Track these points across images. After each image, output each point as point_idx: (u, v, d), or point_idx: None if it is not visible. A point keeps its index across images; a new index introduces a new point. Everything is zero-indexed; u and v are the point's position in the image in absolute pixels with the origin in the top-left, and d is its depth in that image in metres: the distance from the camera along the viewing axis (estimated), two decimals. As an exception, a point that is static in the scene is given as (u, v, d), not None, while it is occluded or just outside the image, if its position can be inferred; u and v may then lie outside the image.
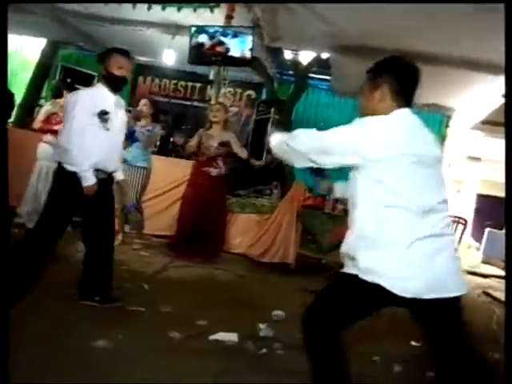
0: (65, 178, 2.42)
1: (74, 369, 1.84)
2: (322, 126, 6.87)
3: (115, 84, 2.56)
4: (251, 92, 8.29)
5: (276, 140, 1.89)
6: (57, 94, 4.95)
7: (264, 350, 2.42)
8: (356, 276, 1.51)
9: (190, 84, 8.56)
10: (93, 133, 2.41)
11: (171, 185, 5.03)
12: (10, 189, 1.72)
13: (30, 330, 2.09)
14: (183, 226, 4.58)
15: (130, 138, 4.47)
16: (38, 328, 2.16)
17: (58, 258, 3.47)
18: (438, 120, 7.89)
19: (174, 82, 8.72)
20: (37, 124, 4.74)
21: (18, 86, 8.86)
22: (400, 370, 2.49)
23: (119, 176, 2.74)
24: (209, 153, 4.52)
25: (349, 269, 1.58)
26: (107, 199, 2.62)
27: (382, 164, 1.55)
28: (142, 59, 8.63)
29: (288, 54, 7.16)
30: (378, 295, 1.49)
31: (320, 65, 7.15)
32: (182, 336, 2.38)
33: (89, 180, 2.41)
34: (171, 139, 6.99)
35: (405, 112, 1.67)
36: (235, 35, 4.70)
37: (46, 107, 4.91)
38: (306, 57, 6.93)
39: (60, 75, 8.23)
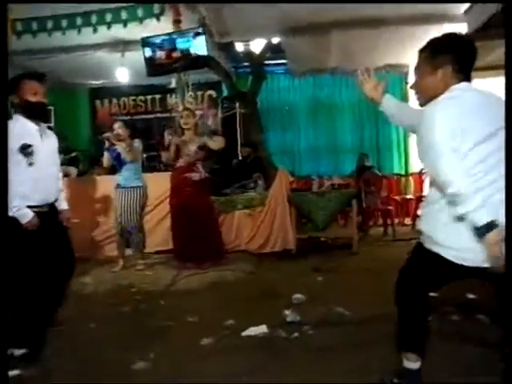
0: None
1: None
2: (287, 109, 7.00)
3: (33, 112, 2.31)
4: (211, 92, 8.28)
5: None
6: None
7: (296, 334, 2.47)
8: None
9: (149, 97, 8.48)
10: (17, 170, 2.18)
11: (159, 198, 5.01)
12: None
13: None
14: (179, 235, 4.57)
15: (118, 162, 4.45)
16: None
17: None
18: (397, 79, 8.06)
19: (132, 98, 8.62)
20: None
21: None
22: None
23: (62, 205, 2.51)
24: (189, 158, 4.53)
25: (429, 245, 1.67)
26: (57, 230, 2.43)
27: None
28: (95, 83, 8.51)
29: (240, 46, 7.15)
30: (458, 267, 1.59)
31: (273, 50, 7.18)
32: (216, 338, 2.41)
33: (26, 216, 2.23)
34: (144, 155, 6.93)
35: (466, 86, 1.66)
36: (187, 38, 4.68)
37: None
38: (257, 45, 6.94)
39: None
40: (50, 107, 8.11)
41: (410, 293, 1.73)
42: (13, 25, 4.98)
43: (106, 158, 4.55)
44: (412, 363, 1.73)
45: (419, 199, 7.07)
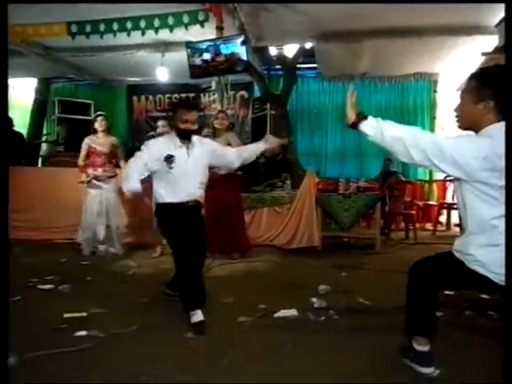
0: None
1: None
2: (316, 111, 7.30)
3: (180, 135, 2.88)
4: (243, 92, 8.60)
5: (371, 130, 1.87)
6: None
7: (323, 318, 2.76)
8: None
9: (183, 95, 8.86)
10: (161, 173, 2.88)
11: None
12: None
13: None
14: (208, 227, 4.84)
15: None
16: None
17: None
18: (425, 87, 8.23)
19: (167, 96, 9.03)
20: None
21: (17, 126, 9.14)
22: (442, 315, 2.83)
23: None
24: None
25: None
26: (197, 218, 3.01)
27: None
28: (134, 79, 8.94)
29: (273, 50, 7.45)
30: (482, 281, 1.79)
31: (305, 55, 7.45)
32: (251, 319, 2.71)
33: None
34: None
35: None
36: (230, 44, 5.01)
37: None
38: (290, 50, 7.23)
39: (58, 109, 8.50)
40: (89, 101, 8.62)
41: (423, 277, 1.87)
42: (69, 26, 5.39)
43: None
44: (420, 346, 1.90)
45: (441, 205, 7.24)
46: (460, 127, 1.88)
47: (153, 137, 4.86)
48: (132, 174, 2.85)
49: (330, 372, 2.05)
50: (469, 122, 1.82)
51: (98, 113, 5.23)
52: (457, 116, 1.90)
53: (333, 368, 2.09)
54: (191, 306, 2.67)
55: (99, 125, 4.97)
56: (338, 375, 2.01)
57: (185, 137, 2.88)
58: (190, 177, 2.88)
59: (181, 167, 2.82)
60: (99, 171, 4.96)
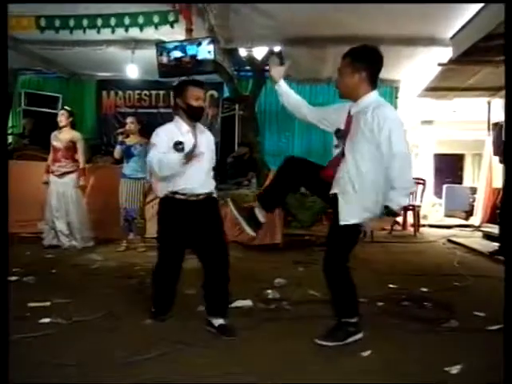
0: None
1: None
2: (283, 113, 7.38)
3: (193, 114, 2.68)
4: (213, 92, 8.74)
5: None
6: None
7: (273, 306, 2.99)
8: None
9: (153, 92, 8.92)
10: None
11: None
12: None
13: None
14: None
15: (126, 154, 4.93)
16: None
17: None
18: (387, 93, 8.58)
19: (137, 92, 9.05)
20: None
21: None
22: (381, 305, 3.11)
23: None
24: None
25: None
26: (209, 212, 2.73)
27: None
28: (103, 74, 8.92)
29: (243, 52, 7.62)
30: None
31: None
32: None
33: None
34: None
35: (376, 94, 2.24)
36: (197, 45, 5.17)
37: None
38: (260, 52, 7.42)
39: (24, 101, 8.40)
40: (57, 95, 8.56)
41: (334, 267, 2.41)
42: (37, 20, 5.40)
43: (118, 151, 5.01)
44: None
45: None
46: (341, 97, 2.37)
47: (121, 134, 4.98)
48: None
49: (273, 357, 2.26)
50: (347, 91, 2.28)
51: (63, 107, 5.27)
52: (337, 87, 2.36)
53: (276, 352, 2.30)
54: (158, 312, 2.71)
55: (59, 120, 5.02)
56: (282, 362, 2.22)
57: (196, 116, 2.70)
58: (196, 165, 2.61)
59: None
60: (55, 166, 5.02)
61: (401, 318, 2.79)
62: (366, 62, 2.23)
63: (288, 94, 2.50)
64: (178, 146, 2.53)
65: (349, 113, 2.30)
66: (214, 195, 2.82)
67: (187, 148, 2.54)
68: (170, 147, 2.55)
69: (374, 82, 2.27)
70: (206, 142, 2.77)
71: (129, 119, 5.13)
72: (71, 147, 5.07)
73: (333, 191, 2.29)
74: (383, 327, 2.63)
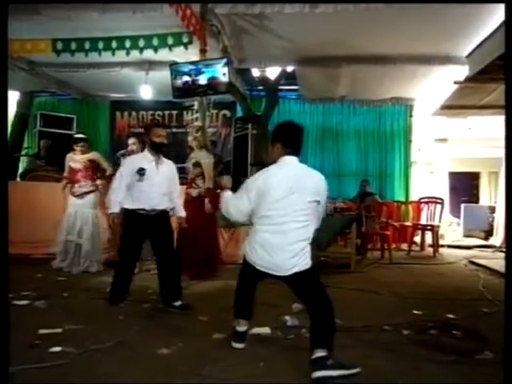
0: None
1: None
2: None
3: (155, 148, 3.50)
4: (226, 111, 8.75)
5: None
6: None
7: (291, 335, 2.84)
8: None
9: (166, 112, 8.96)
10: (133, 183, 3.51)
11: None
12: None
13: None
14: (182, 251, 4.76)
15: None
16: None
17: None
18: (402, 111, 8.53)
19: (150, 112, 9.12)
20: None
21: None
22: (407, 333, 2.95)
23: (178, 212, 3.76)
24: (189, 175, 4.97)
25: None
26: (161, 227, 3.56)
27: None
28: (117, 95, 9.02)
29: (256, 72, 7.64)
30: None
31: (287, 77, 7.66)
32: (225, 335, 2.78)
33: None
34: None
35: (291, 159, 2.55)
36: (212, 67, 5.15)
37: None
38: (273, 72, 7.43)
39: (40, 123, 8.49)
40: (72, 116, 8.65)
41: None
42: (54, 44, 5.46)
43: None
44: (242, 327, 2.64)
45: (416, 226, 7.45)
46: (270, 163, 2.66)
47: (123, 155, 4.98)
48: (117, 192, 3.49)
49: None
50: (271, 158, 2.64)
51: (77, 136, 5.20)
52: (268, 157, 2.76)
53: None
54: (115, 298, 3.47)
55: (79, 149, 5.01)
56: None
57: (158, 150, 3.49)
58: (156, 188, 3.45)
59: (150, 179, 3.42)
60: (76, 187, 4.99)
61: (429, 348, 2.63)
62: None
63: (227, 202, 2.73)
64: (140, 171, 3.41)
65: None
66: (168, 210, 3.61)
67: (148, 173, 3.42)
68: (134, 173, 3.42)
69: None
70: (167, 170, 3.58)
71: (130, 140, 5.11)
72: (90, 166, 5.05)
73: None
74: (411, 358, 2.47)
